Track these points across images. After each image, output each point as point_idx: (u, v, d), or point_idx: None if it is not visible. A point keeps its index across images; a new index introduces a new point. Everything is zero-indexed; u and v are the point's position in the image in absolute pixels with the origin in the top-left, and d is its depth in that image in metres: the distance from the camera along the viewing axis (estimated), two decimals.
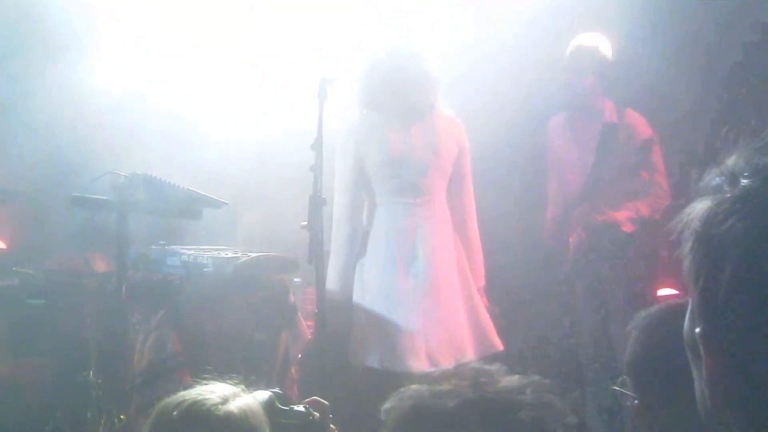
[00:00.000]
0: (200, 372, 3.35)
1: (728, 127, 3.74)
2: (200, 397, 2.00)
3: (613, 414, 4.16)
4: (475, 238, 3.99)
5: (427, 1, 4.92)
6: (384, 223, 3.75)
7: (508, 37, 4.99)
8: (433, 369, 3.52)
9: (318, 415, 2.29)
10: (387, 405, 1.50)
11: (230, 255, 3.52)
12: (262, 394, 2.26)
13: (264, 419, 2.10)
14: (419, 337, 3.63)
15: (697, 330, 0.82)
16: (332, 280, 3.67)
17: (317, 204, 3.38)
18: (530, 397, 1.48)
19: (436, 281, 3.78)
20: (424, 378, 1.50)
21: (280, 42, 4.55)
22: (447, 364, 3.54)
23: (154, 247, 3.87)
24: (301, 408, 2.32)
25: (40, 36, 4.89)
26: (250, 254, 3.59)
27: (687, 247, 0.84)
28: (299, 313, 3.68)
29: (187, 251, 3.62)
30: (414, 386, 1.49)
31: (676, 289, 5.13)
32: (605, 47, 4.57)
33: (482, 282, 3.95)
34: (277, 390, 2.33)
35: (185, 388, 2.16)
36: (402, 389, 1.50)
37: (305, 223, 3.36)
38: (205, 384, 2.13)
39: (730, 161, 0.83)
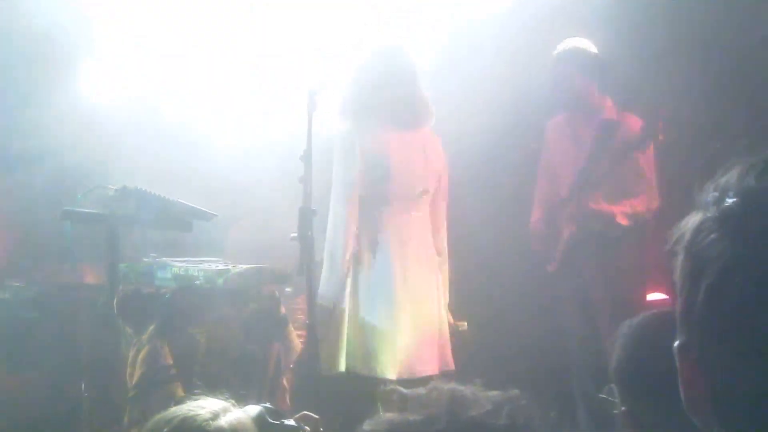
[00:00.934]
0: (192, 385, 3.39)
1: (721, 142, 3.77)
2: (191, 413, 2.00)
3: (602, 422, 4.17)
4: (446, 256, 4.03)
5: (422, 2, 4.96)
6: (382, 231, 3.75)
7: (502, 39, 5.03)
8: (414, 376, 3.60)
9: (309, 429, 2.31)
10: (362, 429, 1.51)
11: (221, 267, 3.53)
12: (253, 409, 2.27)
13: None
14: (411, 345, 3.67)
15: (676, 343, 0.85)
16: (327, 288, 3.64)
17: (307, 215, 3.39)
18: (504, 421, 1.49)
19: (425, 292, 3.82)
20: (398, 400, 1.51)
21: (268, 51, 4.57)
22: (428, 373, 3.65)
23: (145, 260, 3.88)
24: (291, 422, 2.33)
25: (28, 52, 4.89)
26: (240, 267, 3.59)
27: (678, 259, 0.87)
28: (290, 324, 3.69)
29: (178, 264, 3.63)
30: (389, 414, 1.50)
31: (666, 294, 5.16)
32: (592, 47, 4.60)
33: (447, 299, 3.99)
34: (267, 405, 2.34)
35: (177, 403, 2.17)
36: (376, 416, 1.51)
37: (295, 234, 3.37)
38: (196, 399, 2.14)
39: (724, 178, 0.86)
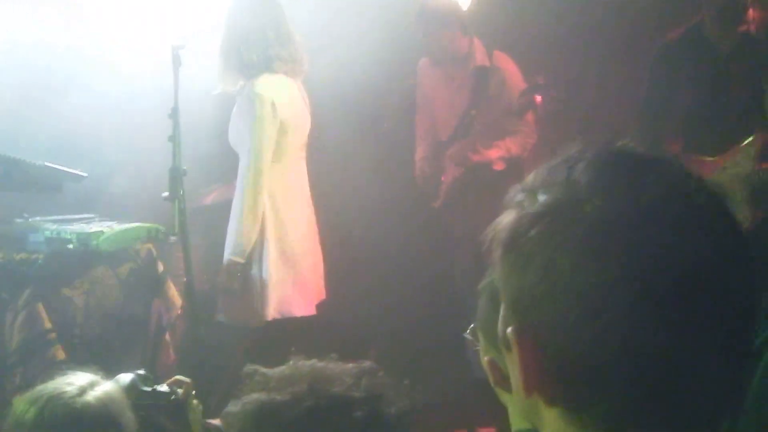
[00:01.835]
0: (73, 348, 3.42)
1: None
2: (56, 392, 2.04)
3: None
4: None
5: None
6: (282, 182, 3.78)
7: None
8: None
9: (181, 392, 2.39)
10: (228, 409, 1.60)
11: (95, 229, 3.52)
12: (125, 378, 2.34)
13: (126, 404, 2.17)
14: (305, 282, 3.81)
15: (509, 329, 0.94)
16: (244, 243, 3.65)
17: (177, 175, 3.41)
18: (363, 392, 1.61)
19: (312, 231, 3.94)
20: (261, 380, 1.60)
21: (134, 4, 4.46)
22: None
23: (17, 221, 3.82)
24: (164, 387, 2.41)
25: None
26: (114, 227, 3.59)
27: (495, 256, 0.95)
28: (169, 281, 3.73)
29: (51, 226, 3.60)
30: (254, 395, 1.59)
31: None
32: None
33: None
34: (140, 372, 2.41)
35: (48, 375, 2.20)
36: (243, 396, 1.60)
37: (167, 194, 3.39)
38: (65, 374, 2.17)
39: (529, 179, 0.97)
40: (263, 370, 1.70)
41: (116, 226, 3.61)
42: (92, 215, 3.99)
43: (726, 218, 0.89)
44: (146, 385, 2.36)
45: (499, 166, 4.53)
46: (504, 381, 1.06)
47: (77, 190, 3.98)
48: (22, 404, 2.04)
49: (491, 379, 1.22)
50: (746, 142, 3.85)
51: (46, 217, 3.83)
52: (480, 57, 4.58)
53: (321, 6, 4.88)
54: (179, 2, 4.16)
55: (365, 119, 5.34)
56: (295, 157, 3.87)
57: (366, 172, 5.11)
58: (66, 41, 4.62)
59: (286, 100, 3.77)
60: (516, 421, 1.50)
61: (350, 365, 1.72)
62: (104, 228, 3.56)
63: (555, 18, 4.92)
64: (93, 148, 4.14)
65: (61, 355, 3.39)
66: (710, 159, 3.91)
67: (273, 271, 3.64)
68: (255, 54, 3.72)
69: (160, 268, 3.68)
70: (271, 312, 3.62)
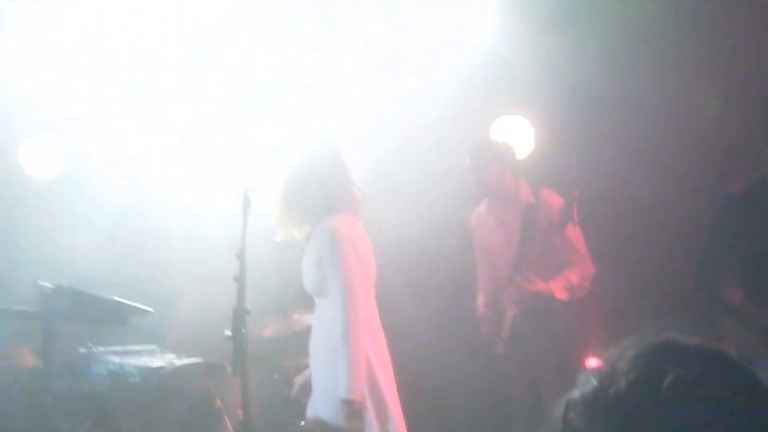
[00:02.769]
0: None
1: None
2: None
3: None
4: None
5: (345, 91, 5.13)
6: (372, 316, 3.79)
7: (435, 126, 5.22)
8: None
9: None
10: None
11: (156, 364, 3.57)
12: None
13: None
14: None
15: None
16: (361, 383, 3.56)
17: (241, 314, 3.46)
18: None
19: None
20: None
21: (207, 145, 4.68)
22: None
23: (81, 350, 3.89)
24: None
25: None
26: (175, 362, 3.65)
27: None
28: (225, 417, 3.74)
29: (114, 359, 3.67)
30: None
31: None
32: (500, 137, 4.85)
33: None
34: None
35: None
36: None
37: (229, 332, 3.44)
38: None
39: (590, 362, 1.08)
40: None
41: (177, 361, 3.67)
42: (153, 347, 4.07)
43: None
44: None
45: (561, 295, 4.52)
46: None
47: (141, 321, 4.07)
48: None
49: None
50: None
51: (109, 348, 3.91)
52: (526, 196, 4.68)
53: (381, 151, 5.08)
54: (251, 144, 4.34)
55: (422, 264, 5.43)
56: (371, 295, 3.88)
57: (425, 313, 5.16)
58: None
59: (362, 239, 3.80)
60: None
61: None
62: (165, 362, 3.61)
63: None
64: (157, 282, 4.26)
65: None
66: None
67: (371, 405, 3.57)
68: (319, 199, 3.79)
69: (218, 404, 3.71)
70: None
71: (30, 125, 5.36)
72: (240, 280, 3.51)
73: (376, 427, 3.54)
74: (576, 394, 1.08)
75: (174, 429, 3.57)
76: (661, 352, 1.06)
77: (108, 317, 3.64)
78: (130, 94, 4.93)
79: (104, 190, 4.81)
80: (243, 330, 3.44)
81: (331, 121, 4.79)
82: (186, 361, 3.70)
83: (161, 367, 3.54)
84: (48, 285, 3.60)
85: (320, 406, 3.58)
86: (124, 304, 3.66)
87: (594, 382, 1.06)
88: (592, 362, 5.16)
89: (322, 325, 3.68)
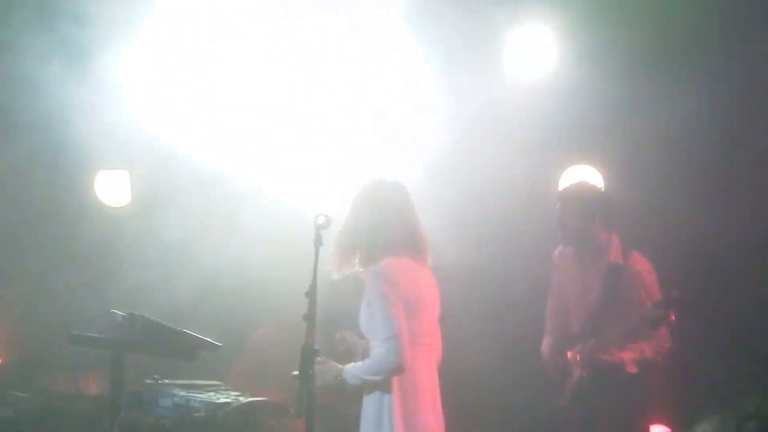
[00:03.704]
0: None
1: None
2: None
3: None
4: None
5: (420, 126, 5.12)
6: (419, 366, 3.72)
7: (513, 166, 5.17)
8: None
9: None
10: None
11: (222, 400, 3.55)
12: None
13: None
14: None
15: None
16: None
17: (309, 354, 3.42)
18: None
19: (442, 422, 3.82)
20: None
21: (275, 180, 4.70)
22: None
23: (147, 381, 3.90)
24: None
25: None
26: (240, 399, 3.61)
27: None
28: None
29: (180, 392, 3.65)
30: None
31: (668, 426, 5.15)
32: (597, 182, 4.68)
33: None
34: None
35: None
36: None
37: (296, 372, 3.39)
38: None
39: (700, 427, 0.98)
40: None
41: (242, 399, 3.63)
42: (219, 383, 4.04)
43: None
44: None
45: (632, 369, 4.35)
46: None
47: (207, 354, 4.06)
48: None
49: None
50: None
51: (175, 381, 3.90)
52: (615, 254, 4.50)
53: (450, 192, 5.04)
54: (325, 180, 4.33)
55: (490, 308, 5.33)
56: (427, 342, 3.81)
57: (491, 360, 5.05)
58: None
59: (410, 281, 3.74)
60: None
61: None
62: (231, 399, 3.58)
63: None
64: (227, 318, 4.26)
65: None
66: None
67: None
68: (370, 241, 3.74)
69: None
70: None
71: (107, 154, 5.47)
72: (309, 318, 3.47)
73: None
74: None
75: None
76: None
77: (177, 349, 3.64)
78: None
79: (178, 221, 4.86)
80: (310, 371, 3.39)
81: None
82: (252, 399, 3.66)
83: (227, 403, 3.51)
84: (120, 313, 3.62)
85: None
86: (195, 337, 3.65)
87: None
88: (658, 430, 4.98)
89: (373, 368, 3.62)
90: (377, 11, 4.97)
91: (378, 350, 3.57)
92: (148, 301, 4.28)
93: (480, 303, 5.13)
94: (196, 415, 3.49)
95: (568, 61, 5.11)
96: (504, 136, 5.17)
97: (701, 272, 4.99)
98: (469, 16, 5.08)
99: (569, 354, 4.52)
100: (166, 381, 3.88)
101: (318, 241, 3.71)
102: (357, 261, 3.79)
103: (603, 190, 4.69)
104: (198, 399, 3.55)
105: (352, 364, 3.64)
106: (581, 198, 4.51)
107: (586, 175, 5.25)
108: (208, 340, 3.69)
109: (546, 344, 4.71)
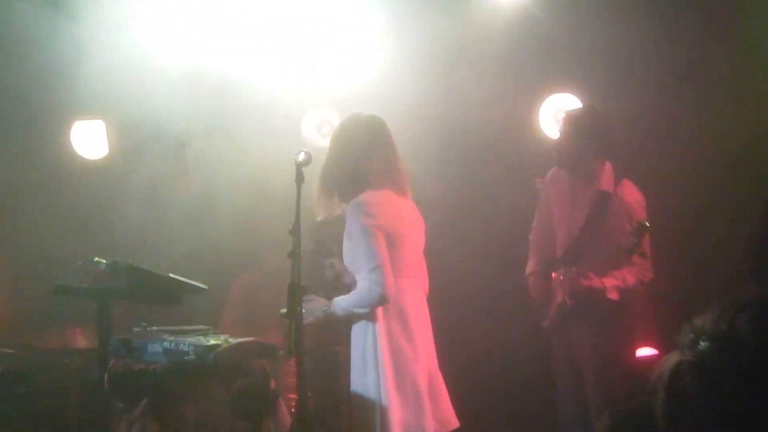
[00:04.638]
0: None
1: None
2: None
3: None
4: None
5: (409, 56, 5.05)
6: (403, 297, 3.73)
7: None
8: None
9: None
10: None
11: (211, 342, 3.53)
12: None
13: None
14: (433, 404, 3.72)
15: None
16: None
17: (296, 292, 3.40)
18: None
19: (433, 352, 3.85)
20: None
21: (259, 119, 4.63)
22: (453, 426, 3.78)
23: (135, 329, 3.88)
24: None
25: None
26: (230, 340, 3.60)
27: (659, 395, 0.99)
28: (280, 399, 3.69)
29: (169, 337, 3.63)
30: None
31: (654, 348, 5.22)
32: (603, 112, 4.63)
33: None
34: None
35: None
36: None
37: (285, 310, 3.39)
38: None
39: (699, 321, 0.99)
40: None
41: (232, 340, 3.62)
42: (208, 327, 4.03)
43: None
44: None
45: (612, 296, 4.37)
46: None
47: (194, 301, 4.04)
48: None
49: None
50: None
51: (163, 327, 3.88)
52: (606, 181, 4.47)
53: (430, 126, 5.00)
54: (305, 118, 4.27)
55: (473, 239, 5.33)
56: (411, 275, 3.82)
57: (474, 288, 5.08)
58: None
59: (391, 214, 3.74)
60: None
61: None
62: (221, 341, 3.57)
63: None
64: (211, 260, 4.23)
65: None
66: None
67: (395, 397, 3.55)
68: (352, 175, 3.74)
69: (272, 385, 3.65)
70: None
71: (81, 105, 5.36)
72: (295, 256, 3.45)
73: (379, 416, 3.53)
74: (686, 356, 0.98)
75: (227, 410, 3.53)
76: None
77: (163, 295, 3.61)
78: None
79: (155, 168, 4.79)
80: (299, 308, 3.38)
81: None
82: (241, 339, 3.65)
83: (217, 345, 3.49)
84: (103, 261, 3.57)
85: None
86: (180, 281, 3.62)
87: (706, 344, 0.96)
88: (643, 352, 5.04)
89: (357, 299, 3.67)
90: None
91: (362, 283, 3.59)
92: (131, 250, 4.23)
93: (464, 235, 5.12)
94: (186, 358, 3.48)
95: None
96: (483, 66, 5.11)
97: (682, 197, 5.02)
98: None
99: (553, 276, 4.55)
100: (155, 328, 3.86)
101: (299, 179, 3.68)
102: (339, 196, 3.78)
103: (605, 115, 4.60)
104: (187, 342, 3.53)
105: (340, 297, 3.66)
106: (583, 122, 4.47)
107: (569, 103, 5.23)
108: (194, 283, 3.66)
109: (530, 266, 4.72)
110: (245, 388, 3.55)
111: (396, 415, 3.59)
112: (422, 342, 3.77)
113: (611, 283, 4.37)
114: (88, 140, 5.67)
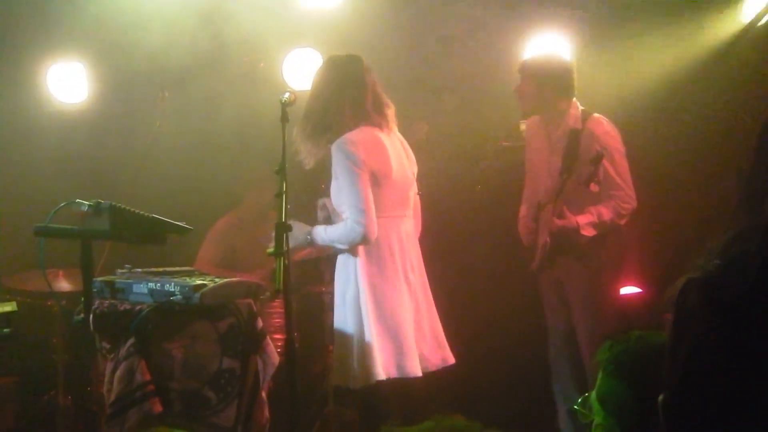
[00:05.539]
0: (170, 401, 3.39)
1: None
2: None
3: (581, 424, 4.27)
4: None
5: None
6: (387, 236, 3.74)
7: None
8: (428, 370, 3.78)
9: None
10: None
11: (197, 282, 3.51)
12: None
13: None
14: (419, 342, 3.75)
15: (660, 397, 0.91)
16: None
17: (283, 231, 3.39)
18: None
19: (424, 291, 3.87)
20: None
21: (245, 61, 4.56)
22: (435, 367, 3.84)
23: (119, 271, 3.85)
24: None
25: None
26: (216, 280, 3.58)
27: (668, 317, 0.98)
28: (268, 337, 3.69)
29: (154, 278, 3.61)
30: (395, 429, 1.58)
31: (639, 287, 5.29)
32: (554, 55, 4.66)
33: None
34: None
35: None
36: None
37: (271, 249, 3.37)
38: None
39: (713, 245, 0.98)
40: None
41: (218, 280, 3.60)
42: (192, 269, 4.02)
43: None
44: None
45: (588, 232, 4.41)
46: None
47: (178, 242, 4.01)
48: None
49: None
50: None
51: (148, 269, 3.85)
52: (573, 120, 4.50)
53: (419, 63, 4.95)
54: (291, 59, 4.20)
55: (460, 184, 5.34)
56: (396, 214, 3.81)
57: (463, 232, 5.09)
58: None
59: (375, 152, 3.73)
60: None
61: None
62: (206, 281, 3.55)
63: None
64: (197, 201, 4.19)
65: (157, 408, 3.37)
66: None
67: (374, 334, 3.60)
68: (333, 115, 3.72)
69: (260, 324, 3.65)
70: (378, 373, 3.57)
71: (59, 49, 5.26)
72: (281, 196, 3.43)
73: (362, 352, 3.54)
74: (695, 274, 0.96)
75: (214, 348, 3.53)
76: None
77: (147, 235, 3.57)
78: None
79: (139, 110, 4.72)
80: (286, 247, 3.37)
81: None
82: (227, 279, 3.64)
83: (203, 285, 3.47)
84: (85, 202, 3.52)
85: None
86: (163, 221, 3.58)
87: (717, 262, 0.95)
88: (627, 290, 5.11)
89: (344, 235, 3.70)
90: None
91: (346, 222, 3.63)
92: (114, 192, 4.17)
93: (450, 177, 5.12)
94: (172, 298, 3.45)
95: None
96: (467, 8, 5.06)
97: (664, 141, 5.04)
98: None
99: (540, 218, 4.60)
100: (139, 270, 3.83)
101: (284, 118, 3.65)
102: (323, 137, 3.77)
103: (560, 59, 4.66)
104: (173, 282, 3.50)
105: (322, 227, 3.72)
106: (536, 68, 4.53)
107: (551, 43, 5.22)
108: (178, 223, 3.62)
109: (521, 211, 4.82)
110: (232, 326, 3.54)
111: (376, 353, 3.61)
112: (408, 281, 3.78)
113: (585, 221, 4.43)
114: (66, 83, 5.57)
